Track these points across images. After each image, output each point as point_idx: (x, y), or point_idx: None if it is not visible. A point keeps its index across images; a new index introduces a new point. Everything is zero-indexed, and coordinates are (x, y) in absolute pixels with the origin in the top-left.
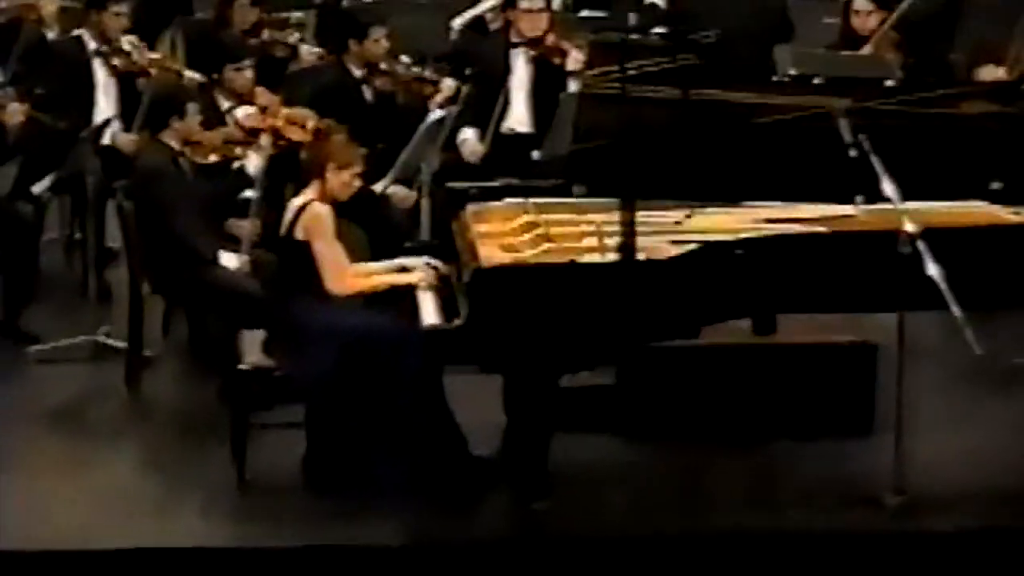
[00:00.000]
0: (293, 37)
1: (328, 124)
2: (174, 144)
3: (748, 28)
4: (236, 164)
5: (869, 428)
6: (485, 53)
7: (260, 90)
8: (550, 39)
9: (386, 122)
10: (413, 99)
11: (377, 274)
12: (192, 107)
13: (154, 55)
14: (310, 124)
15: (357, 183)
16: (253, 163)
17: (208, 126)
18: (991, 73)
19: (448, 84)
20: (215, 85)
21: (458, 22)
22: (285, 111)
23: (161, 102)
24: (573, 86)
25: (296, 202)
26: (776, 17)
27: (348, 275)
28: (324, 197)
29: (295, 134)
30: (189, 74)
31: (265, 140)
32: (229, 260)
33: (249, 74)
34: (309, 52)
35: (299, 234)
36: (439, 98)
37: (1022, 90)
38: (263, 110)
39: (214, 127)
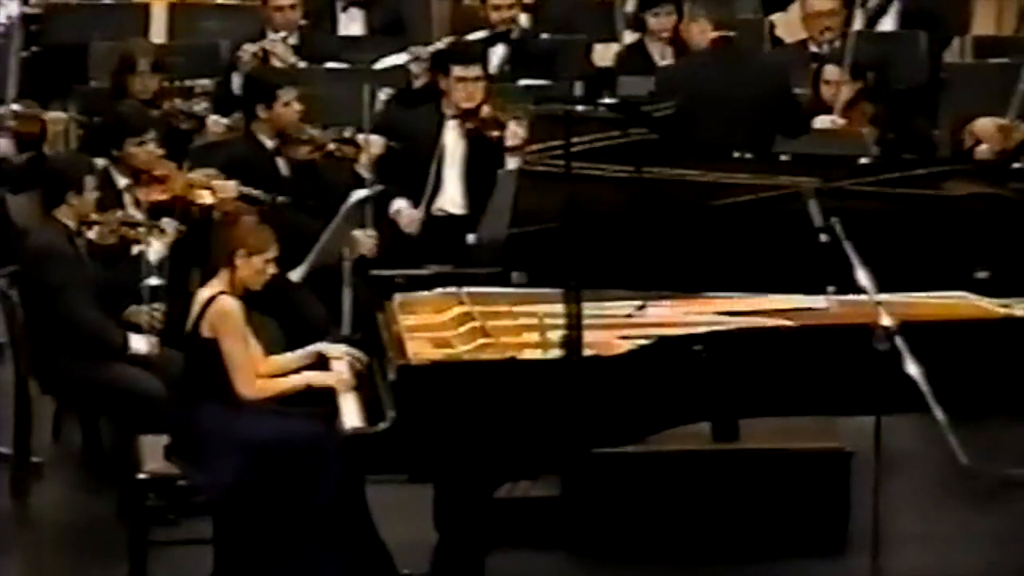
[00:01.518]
0: (200, 106)
1: (237, 206)
2: (69, 222)
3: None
4: (136, 248)
5: (842, 545)
6: (414, 126)
7: (158, 160)
8: (485, 111)
9: (306, 197)
10: (335, 168)
11: (290, 365)
12: (90, 181)
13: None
14: (218, 186)
15: (271, 270)
16: (155, 249)
17: (102, 206)
18: (984, 129)
19: (375, 141)
20: (112, 161)
21: (384, 92)
22: (186, 176)
23: (58, 174)
24: (512, 163)
25: (203, 295)
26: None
27: (260, 377)
28: (234, 288)
29: (202, 198)
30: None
31: (168, 224)
32: (139, 343)
33: (152, 147)
34: (216, 123)
35: (206, 331)
36: (365, 159)
37: (1012, 169)
38: (162, 180)
39: (109, 207)
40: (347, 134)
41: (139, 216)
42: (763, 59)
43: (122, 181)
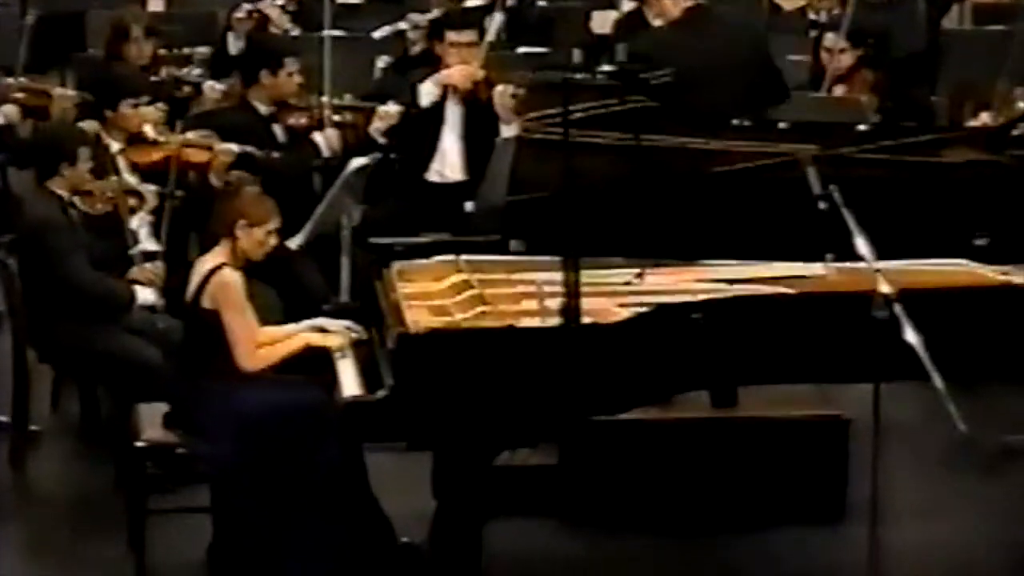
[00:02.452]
0: (195, 72)
1: (238, 176)
2: (63, 193)
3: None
4: (132, 220)
5: (840, 513)
6: (412, 92)
7: (149, 124)
8: (479, 75)
9: (305, 165)
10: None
11: (289, 337)
12: (84, 152)
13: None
14: (216, 147)
15: (272, 241)
16: (138, 217)
17: (98, 173)
18: None
19: (390, 110)
20: (104, 125)
21: (382, 60)
22: (181, 137)
23: (51, 146)
24: (505, 129)
25: (204, 266)
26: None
27: (259, 349)
28: (235, 259)
29: (198, 156)
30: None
31: (148, 191)
32: (147, 295)
33: (146, 110)
34: (212, 88)
35: (206, 303)
36: (380, 125)
37: (1011, 136)
38: (155, 143)
39: (103, 173)
40: (348, 99)
41: (133, 181)
42: (738, 24)
43: (115, 145)
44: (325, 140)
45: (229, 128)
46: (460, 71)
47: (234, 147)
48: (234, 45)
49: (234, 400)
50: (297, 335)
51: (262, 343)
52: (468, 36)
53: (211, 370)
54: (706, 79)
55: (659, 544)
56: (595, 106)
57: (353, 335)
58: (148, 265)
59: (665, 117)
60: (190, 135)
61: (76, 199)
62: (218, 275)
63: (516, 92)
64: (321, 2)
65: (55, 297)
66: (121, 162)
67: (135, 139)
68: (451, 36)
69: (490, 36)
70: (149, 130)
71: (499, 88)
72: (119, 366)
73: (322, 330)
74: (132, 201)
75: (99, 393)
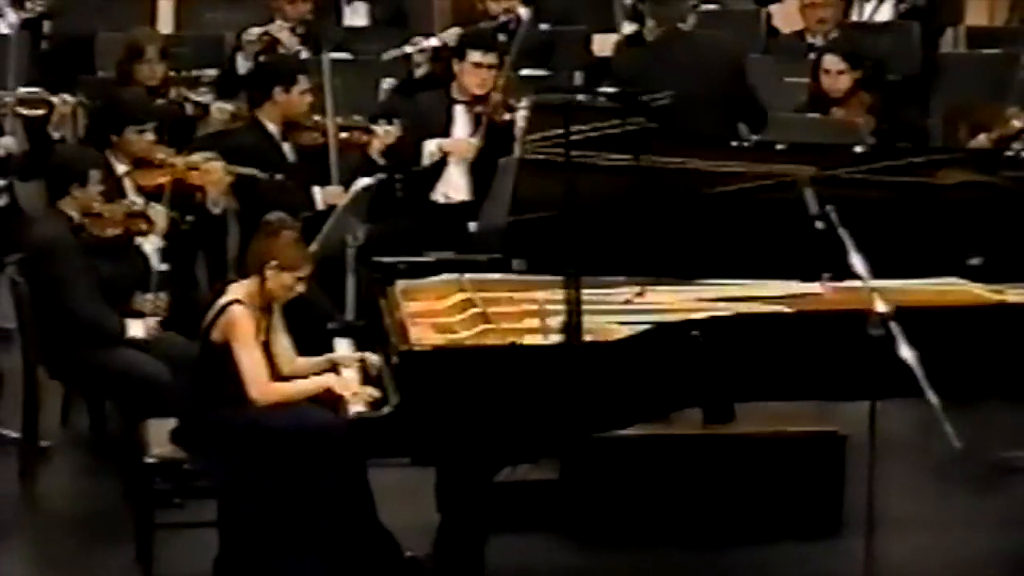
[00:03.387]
0: (204, 95)
1: (280, 217)
2: (73, 214)
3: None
4: (139, 240)
5: (837, 528)
6: (419, 113)
7: (156, 146)
8: (495, 97)
9: (312, 184)
10: (345, 154)
11: (303, 371)
12: (95, 175)
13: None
14: (205, 167)
15: (300, 288)
16: (150, 240)
17: (107, 196)
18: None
19: (388, 130)
20: (110, 148)
21: (388, 82)
22: (186, 159)
23: (63, 167)
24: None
25: (222, 300)
26: (734, 84)
27: (271, 382)
28: (260, 298)
29: (200, 178)
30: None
31: (157, 213)
32: (136, 329)
33: (150, 136)
34: (221, 110)
35: (216, 335)
36: (378, 145)
37: (1004, 158)
38: (160, 165)
39: (112, 196)
40: (356, 119)
41: (140, 203)
42: (715, 44)
43: (120, 168)
44: (322, 196)
45: (239, 149)
46: (465, 146)
47: (222, 167)
48: (243, 66)
49: (243, 420)
50: (311, 379)
51: (285, 373)
52: (491, 58)
53: (220, 399)
54: (681, 102)
55: (660, 558)
56: (596, 127)
57: (372, 364)
58: (150, 296)
59: (664, 138)
60: (195, 157)
61: (86, 221)
62: (228, 312)
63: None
64: (328, 25)
65: (57, 318)
66: (127, 183)
67: (141, 163)
68: (474, 56)
69: (512, 58)
70: (155, 152)
71: (523, 113)
72: (127, 382)
73: (334, 367)
74: (143, 224)
75: (107, 409)
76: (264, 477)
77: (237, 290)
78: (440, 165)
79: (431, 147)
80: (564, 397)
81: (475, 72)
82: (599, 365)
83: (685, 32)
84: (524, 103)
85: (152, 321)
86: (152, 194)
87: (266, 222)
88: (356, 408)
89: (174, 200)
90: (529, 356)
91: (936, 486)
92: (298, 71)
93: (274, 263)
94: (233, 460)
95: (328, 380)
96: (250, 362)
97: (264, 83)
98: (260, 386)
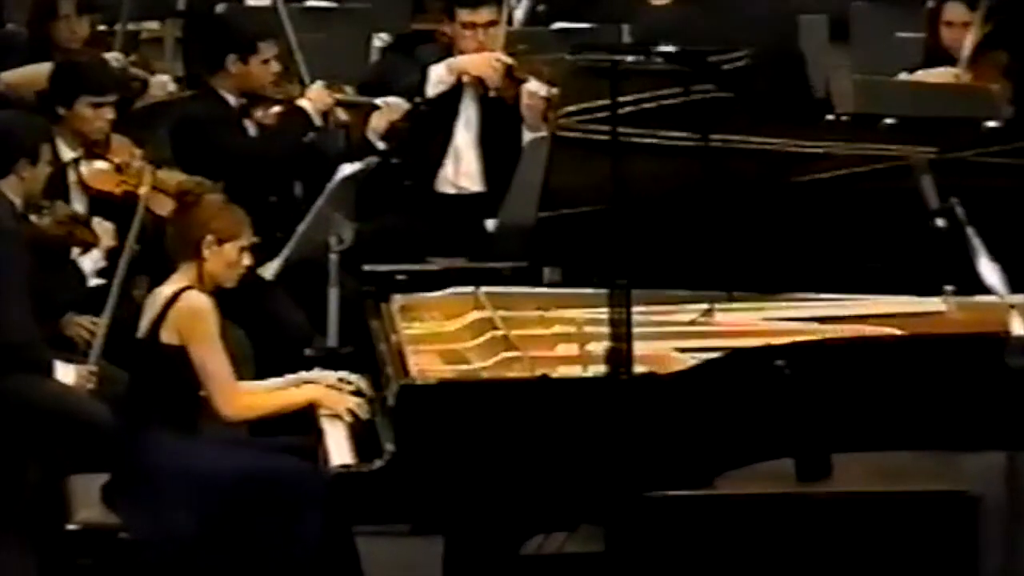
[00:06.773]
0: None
1: (198, 182)
2: (16, 199)
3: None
4: (84, 260)
5: None
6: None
7: (120, 141)
8: (495, 63)
9: (277, 167)
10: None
11: (265, 398)
12: (46, 150)
13: None
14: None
15: (246, 261)
16: (91, 257)
17: (49, 187)
18: None
19: (394, 103)
20: (57, 124)
21: (379, 39)
22: (154, 174)
23: (10, 137)
24: (527, 134)
25: (163, 291)
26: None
27: (243, 392)
28: (202, 285)
29: (163, 207)
30: None
31: (104, 231)
32: (65, 373)
33: (109, 115)
34: (163, 86)
35: (168, 336)
36: (379, 123)
37: None
38: (119, 169)
39: (55, 188)
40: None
41: (81, 210)
42: (761, 6)
43: (68, 153)
44: (313, 104)
45: (190, 121)
46: (481, 58)
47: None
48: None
49: (193, 460)
50: (299, 389)
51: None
52: (486, 15)
53: (164, 422)
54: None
55: None
56: (651, 97)
57: (350, 394)
58: (86, 319)
59: (740, 111)
60: (165, 174)
61: (30, 213)
62: (184, 300)
63: (551, 92)
64: None
65: None
66: (71, 175)
67: (93, 152)
68: (463, 15)
69: (519, 13)
70: (116, 154)
71: (529, 86)
72: (48, 424)
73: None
74: (88, 235)
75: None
76: (220, 535)
77: (175, 282)
78: (446, 138)
79: (439, 70)
80: (609, 445)
81: (468, 35)
82: (655, 404)
83: None
84: (537, 72)
85: (85, 371)
86: (96, 197)
87: (182, 192)
88: (340, 459)
89: (122, 211)
90: (564, 392)
91: None
92: (258, 36)
93: (209, 238)
94: (181, 513)
95: (315, 392)
96: (217, 367)
97: (216, 49)
98: (231, 397)
